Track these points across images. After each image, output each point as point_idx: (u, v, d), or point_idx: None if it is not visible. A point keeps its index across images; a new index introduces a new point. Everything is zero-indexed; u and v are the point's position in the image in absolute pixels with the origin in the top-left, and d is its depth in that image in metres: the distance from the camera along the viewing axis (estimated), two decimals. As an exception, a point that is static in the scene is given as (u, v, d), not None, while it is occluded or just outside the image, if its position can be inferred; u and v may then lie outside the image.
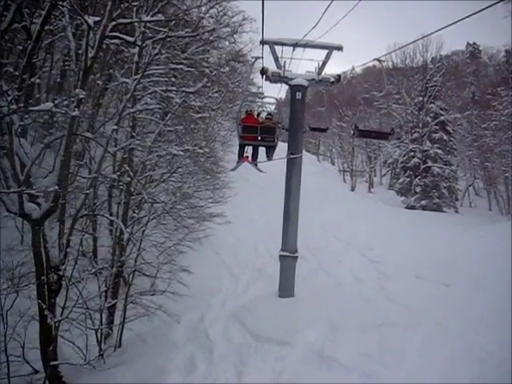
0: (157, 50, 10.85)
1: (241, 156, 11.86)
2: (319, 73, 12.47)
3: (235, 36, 24.48)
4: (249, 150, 12.04)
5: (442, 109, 38.70)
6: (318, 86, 12.90)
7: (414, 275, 12.62)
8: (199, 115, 14.60)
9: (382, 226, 23.19)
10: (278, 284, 12.59)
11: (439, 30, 6.47)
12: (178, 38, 16.41)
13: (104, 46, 12.89)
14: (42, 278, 9.05)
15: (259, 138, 11.29)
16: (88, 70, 8.97)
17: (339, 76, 12.47)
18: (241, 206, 25.30)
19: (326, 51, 12.77)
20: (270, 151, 11.88)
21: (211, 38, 20.96)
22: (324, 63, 12.51)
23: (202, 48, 19.16)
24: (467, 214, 36.70)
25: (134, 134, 12.59)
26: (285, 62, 12.21)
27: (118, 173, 12.65)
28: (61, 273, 9.43)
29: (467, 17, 5.52)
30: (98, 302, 11.55)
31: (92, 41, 8.74)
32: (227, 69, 19.57)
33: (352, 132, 10.17)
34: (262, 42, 11.99)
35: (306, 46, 12.41)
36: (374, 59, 11.60)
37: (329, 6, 7.42)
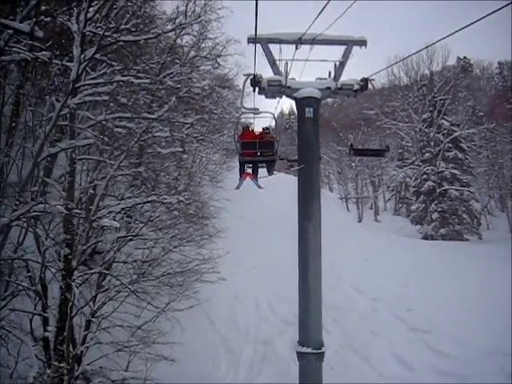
0: (92, 53, 6.97)
1: (242, 174, 10.69)
2: (336, 78, 8.59)
3: (219, 60, 21.03)
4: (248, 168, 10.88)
5: (453, 124, 34.79)
6: (335, 98, 8.95)
7: (497, 366, 8.36)
8: (169, 150, 10.62)
9: (410, 269, 18.86)
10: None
11: (444, 37, 5.57)
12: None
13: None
14: None
15: (258, 153, 9.65)
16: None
17: (366, 80, 8.55)
18: (237, 252, 21.10)
19: (340, 50, 9.00)
20: (271, 166, 10.38)
21: (191, 54, 17.41)
22: (342, 64, 8.62)
23: (179, 70, 15.49)
24: (492, 240, 32.06)
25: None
26: (286, 64, 8.32)
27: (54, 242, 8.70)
28: None
29: (476, 21, 4.52)
30: None
31: None
32: (205, 82, 15.66)
33: (348, 151, 9.65)
34: (255, 41, 8.10)
35: (313, 42, 8.55)
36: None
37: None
